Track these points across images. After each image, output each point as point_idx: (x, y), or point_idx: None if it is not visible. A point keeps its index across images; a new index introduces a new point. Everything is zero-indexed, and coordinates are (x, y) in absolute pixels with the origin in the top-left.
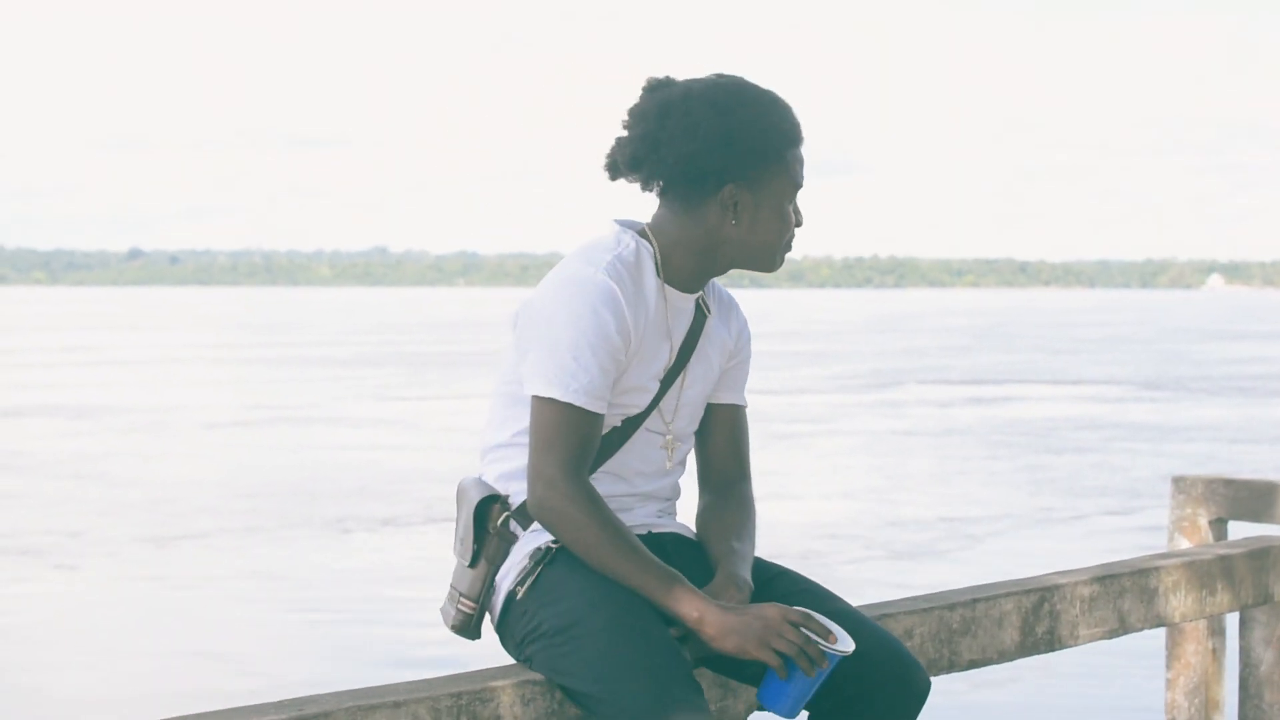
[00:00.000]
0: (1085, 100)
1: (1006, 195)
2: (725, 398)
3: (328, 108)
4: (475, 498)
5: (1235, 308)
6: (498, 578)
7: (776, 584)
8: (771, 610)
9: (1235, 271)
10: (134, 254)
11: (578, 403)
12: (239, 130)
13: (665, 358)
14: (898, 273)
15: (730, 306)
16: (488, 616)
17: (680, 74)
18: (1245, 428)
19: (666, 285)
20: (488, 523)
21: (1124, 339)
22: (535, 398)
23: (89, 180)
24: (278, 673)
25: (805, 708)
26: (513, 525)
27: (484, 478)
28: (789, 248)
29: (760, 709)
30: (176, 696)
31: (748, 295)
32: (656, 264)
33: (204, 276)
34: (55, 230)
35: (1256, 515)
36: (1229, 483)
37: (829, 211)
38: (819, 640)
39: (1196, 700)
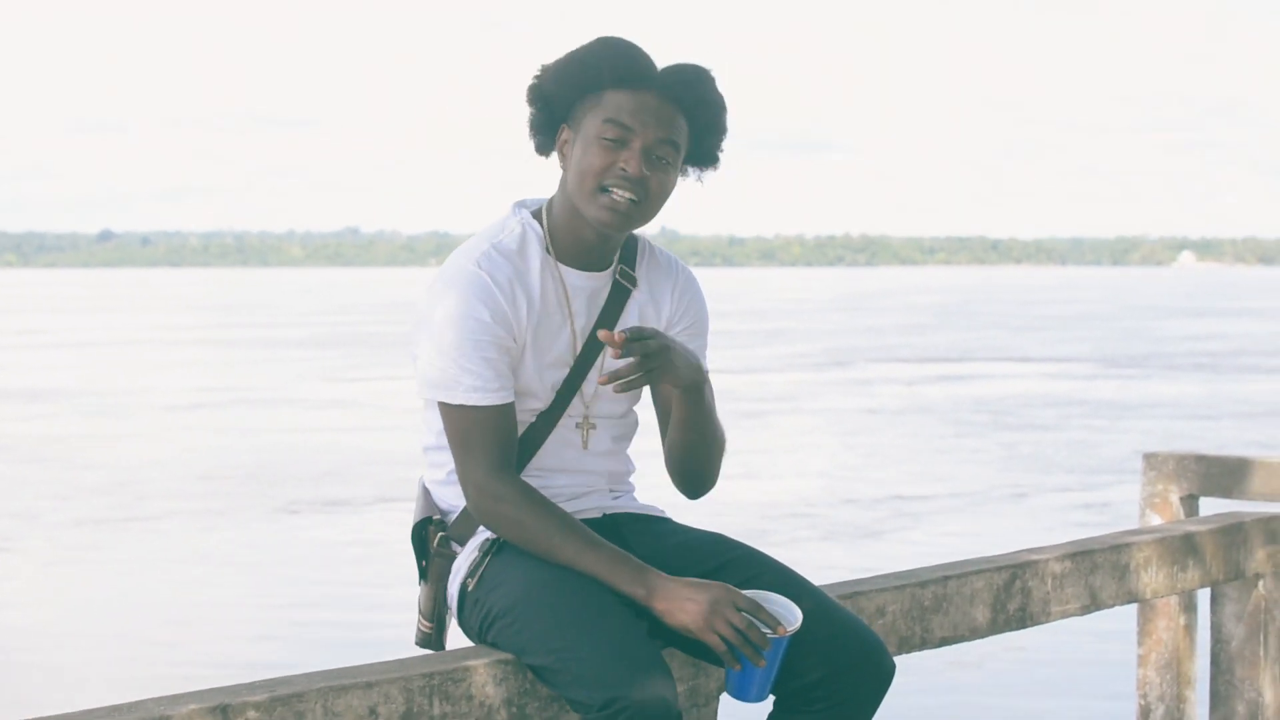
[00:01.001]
0: (1058, 77)
1: (979, 173)
2: None
3: (299, 88)
4: (415, 518)
5: (1204, 285)
6: (451, 574)
7: (739, 564)
8: (721, 592)
9: (1206, 248)
10: (105, 236)
11: (471, 402)
12: (211, 112)
13: (568, 342)
14: (869, 251)
15: (669, 276)
16: (453, 625)
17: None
18: (1205, 404)
19: (561, 265)
20: (427, 544)
21: (1087, 316)
22: (439, 404)
23: (61, 163)
24: (246, 655)
25: (771, 692)
26: (452, 545)
27: (425, 482)
28: (616, 201)
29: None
30: (145, 679)
31: (717, 274)
32: (546, 244)
33: (175, 258)
34: (27, 213)
35: (1227, 491)
36: (1200, 459)
37: (800, 189)
38: (762, 626)
39: (1168, 676)
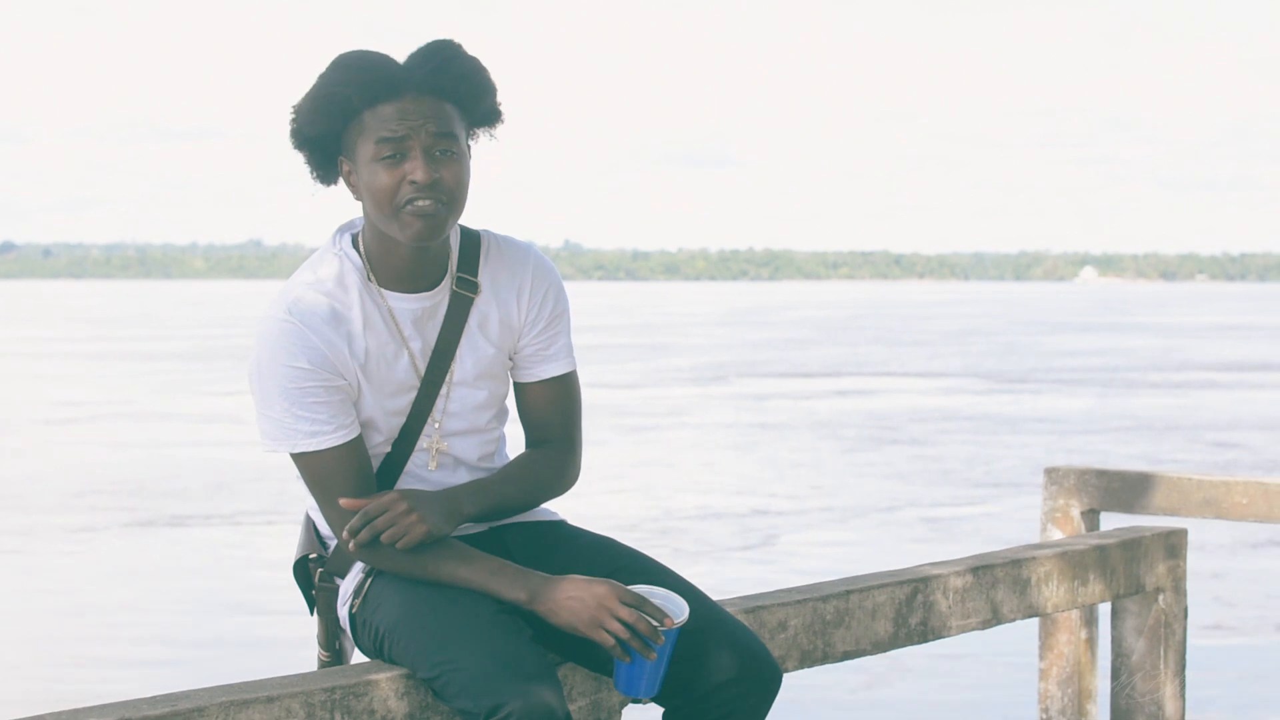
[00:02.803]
0: (960, 90)
1: (882, 187)
2: (542, 372)
3: (201, 99)
4: (297, 553)
5: (1100, 300)
6: (339, 600)
7: (628, 572)
8: (605, 588)
9: (1108, 264)
10: (6, 247)
11: (312, 448)
12: (113, 123)
13: (408, 367)
14: (773, 265)
15: (517, 273)
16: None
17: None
18: (1084, 419)
19: (385, 290)
20: (310, 580)
21: (972, 331)
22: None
23: None
24: (140, 671)
25: (658, 702)
26: (334, 578)
27: (308, 511)
28: (420, 209)
29: (627, 699)
30: (39, 695)
31: (619, 288)
32: (366, 272)
33: (77, 270)
34: None
35: (1128, 506)
36: (1101, 474)
37: (705, 204)
38: (650, 619)
39: (1069, 690)
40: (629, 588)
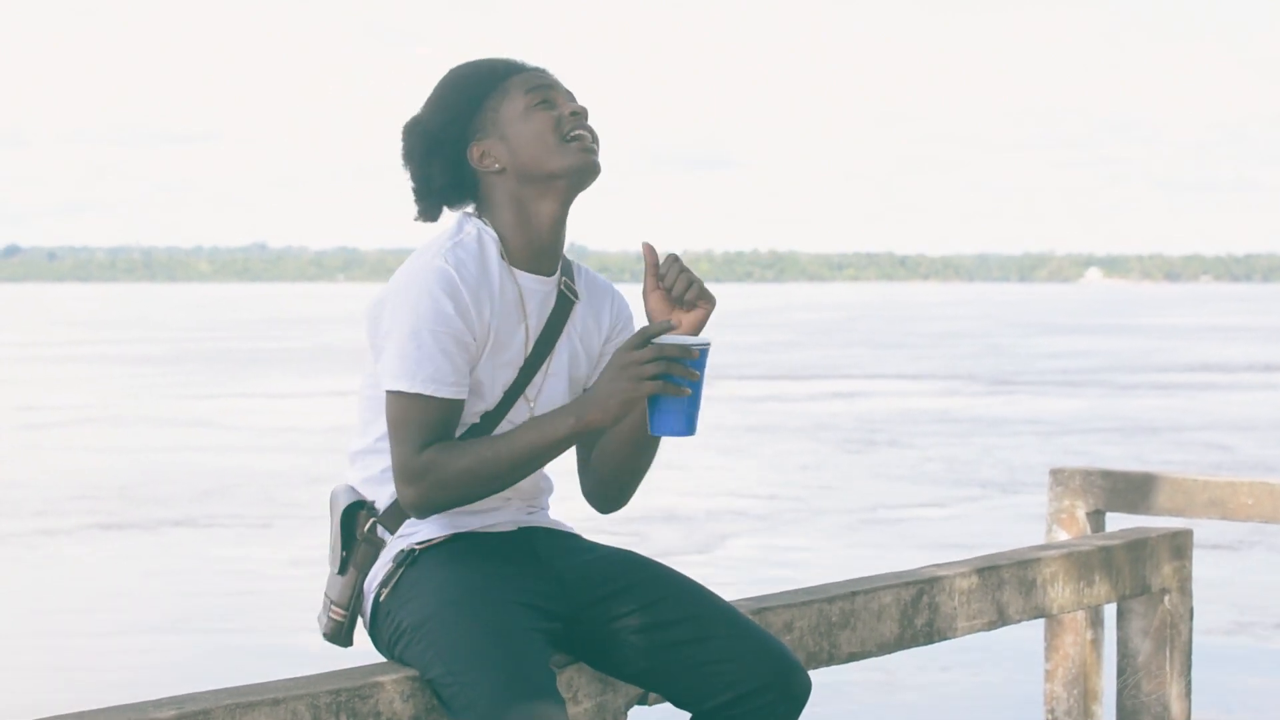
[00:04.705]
0: (960, 91)
1: (886, 188)
2: None
3: (205, 102)
4: (343, 504)
5: (1101, 301)
6: (366, 583)
7: (649, 583)
8: (619, 357)
9: (1113, 265)
10: (11, 251)
11: (425, 391)
12: (117, 125)
13: (521, 343)
14: (778, 267)
15: (606, 295)
16: (361, 624)
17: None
18: (1066, 421)
19: (515, 269)
20: (355, 529)
21: (958, 333)
22: (388, 392)
23: None
24: (132, 674)
25: (685, 708)
26: (380, 531)
27: (350, 483)
28: (578, 140)
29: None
30: (42, 699)
31: (623, 290)
32: (500, 249)
33: (82, 273)
34: None
35: (1134, 507)
36: (1107, 474)
37: (707, 206)
38: (679, 342)
39: (1075, 691)
40: (632, 336)
